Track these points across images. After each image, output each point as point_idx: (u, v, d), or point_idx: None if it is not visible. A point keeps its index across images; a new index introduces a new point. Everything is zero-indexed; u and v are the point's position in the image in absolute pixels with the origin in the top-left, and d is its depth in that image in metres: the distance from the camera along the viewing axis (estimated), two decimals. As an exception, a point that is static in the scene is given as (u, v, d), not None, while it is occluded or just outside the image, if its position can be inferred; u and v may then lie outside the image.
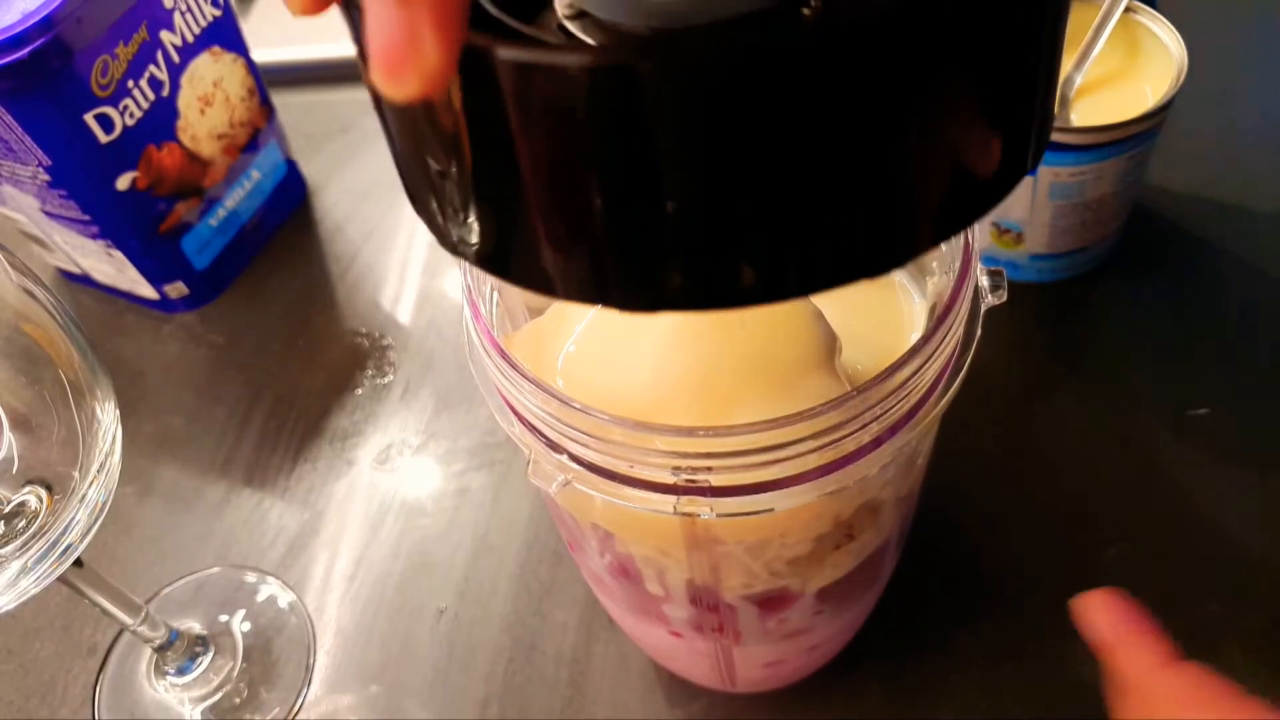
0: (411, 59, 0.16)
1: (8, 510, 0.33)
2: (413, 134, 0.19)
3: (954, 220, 0.19)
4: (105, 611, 0.40)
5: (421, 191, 0.21)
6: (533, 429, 0.29)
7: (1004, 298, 0.28)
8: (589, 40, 0.19)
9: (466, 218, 0.20)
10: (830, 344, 0.29)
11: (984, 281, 0.30)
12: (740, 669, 0.39)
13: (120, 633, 0.46)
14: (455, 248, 0.21)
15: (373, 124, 0.67)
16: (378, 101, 0.20)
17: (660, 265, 0.19)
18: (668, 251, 0.18)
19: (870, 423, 0.27)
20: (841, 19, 0.16)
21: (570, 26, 0.19)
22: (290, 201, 0.62)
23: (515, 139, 0.18)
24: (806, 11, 0.18)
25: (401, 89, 0.16)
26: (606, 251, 0.19)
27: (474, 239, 0.20)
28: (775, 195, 0.17)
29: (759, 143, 0.17)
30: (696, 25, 0.18)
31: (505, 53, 0.16)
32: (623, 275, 0.19)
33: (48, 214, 0.52)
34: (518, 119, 0.17)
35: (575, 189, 0.18)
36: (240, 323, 0.57)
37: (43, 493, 0.34)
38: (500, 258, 0.20)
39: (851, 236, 0.18)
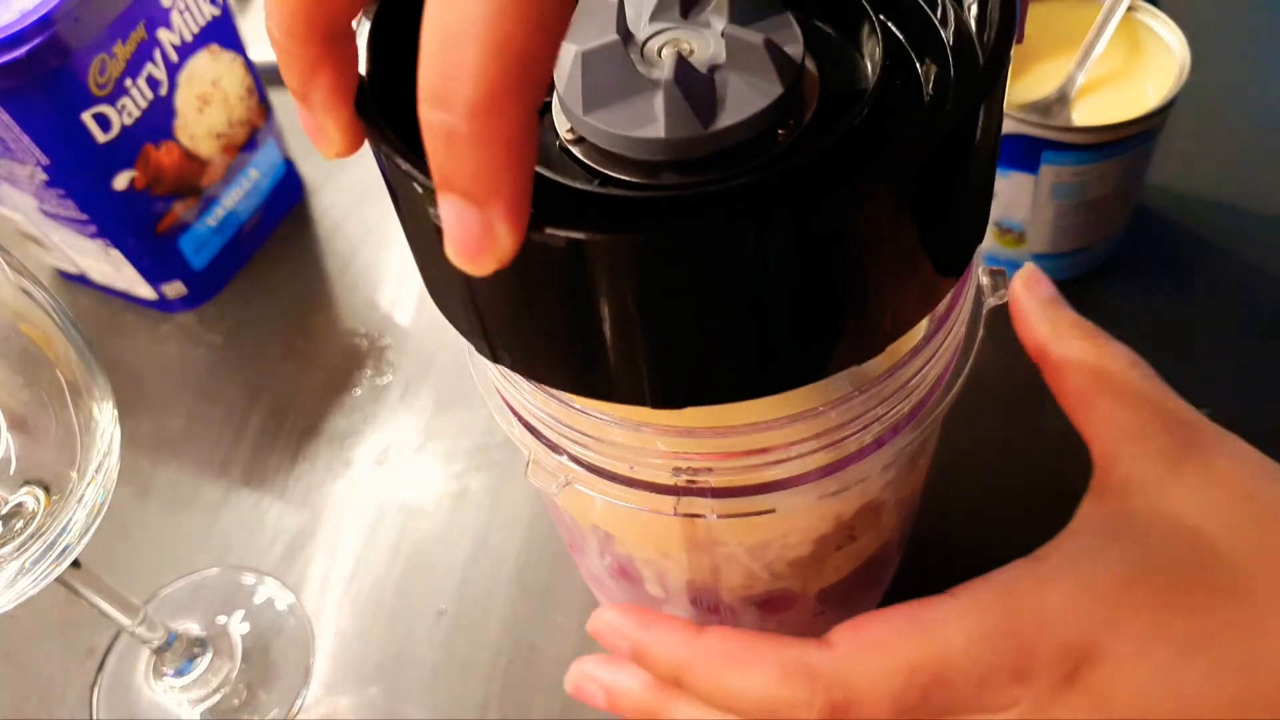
0: (489, 249, 0.18)
1: (5, 511, 0.33)
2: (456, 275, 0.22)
3: (905, 323, 0.23)
4: (103, 613, 0.39)
5: (457, 312, 0.24)
6: (532, 430, 0.28)
7: (1006, 298, 0.28)
8: (590, 163, 0.22)
9: (500, 337, 0.23)
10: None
11: (985, 281, 0.30)
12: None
13: (118, 634, 0.46)
14: (495, 357, 0.24)
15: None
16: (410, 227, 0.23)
17: (671, 377, 0.22)
18: (673, 369, 0.22)
19: (872, 423, 0.27)
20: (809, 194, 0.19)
21: (573, 150, 0.22)
22: (288, 201, 0.62)
23: (538, 288, 0.21)
24: (781, 133, 0.22)
25: (479, 270, 0.19)
26: (612, 367, 0.22)
27: (504, 352, 0.24)
28: (768, 325, 0.21)
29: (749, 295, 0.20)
30: (685, 160, 0.21)
31: (553, 231, 0.19)
32: (650, 386, 0.22)
33: (45, 213, 0.52)
34: (550, 275, 0.20)
35: (610, 326, 0.21)
36: (238, 322, 0.57)
37: (40, 493, 0.34)
38: (525, 366, 0.24)
39: (833, 343, 0.22)
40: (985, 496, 0.45)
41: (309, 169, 0.64)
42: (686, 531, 0.30)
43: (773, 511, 0.27)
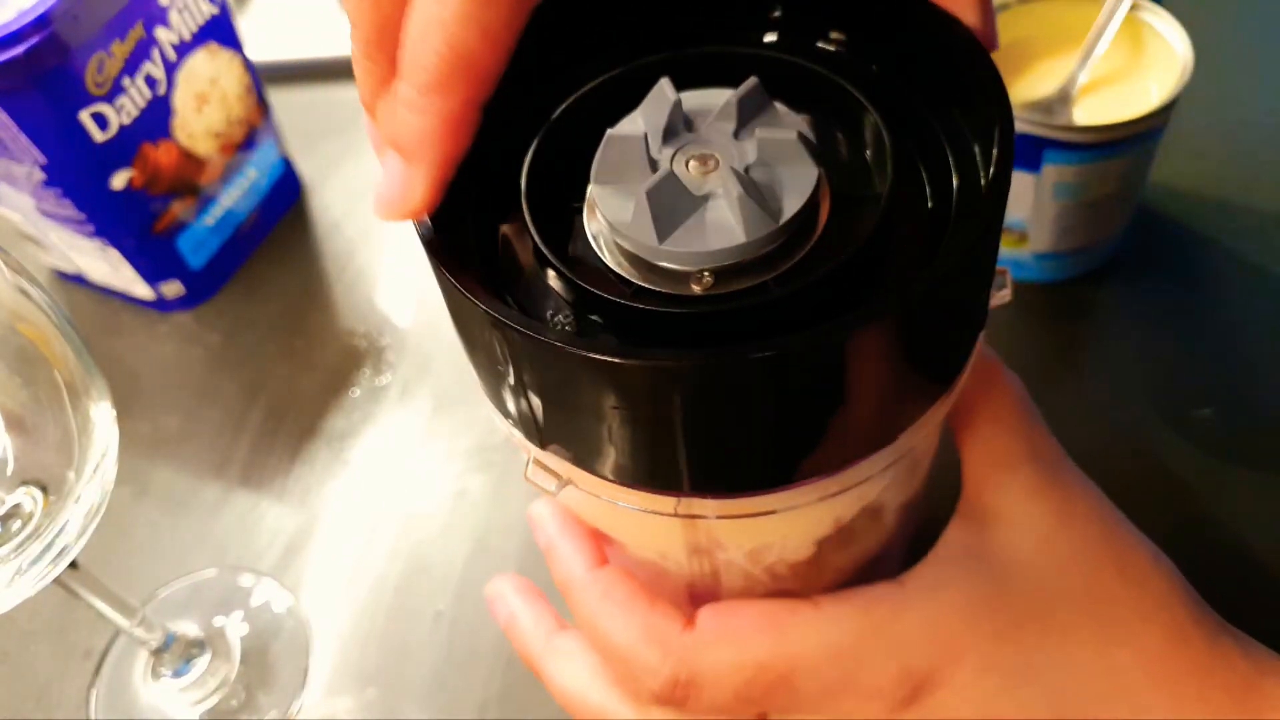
0: (403, 199, 0.25)
1: (3, 512, 0.33)
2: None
3: (911, 415, 0.26)
4: (101, 614, 0.39)
5: (511, 412, 0.26)
6: None
7: (1009, 298, 0.28)
8: (623, 273, 0.25)
9: (548, 430, 0.26)
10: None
11: None
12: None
13: (116, 635, 0.46)
14: (541, 443, 0.26)
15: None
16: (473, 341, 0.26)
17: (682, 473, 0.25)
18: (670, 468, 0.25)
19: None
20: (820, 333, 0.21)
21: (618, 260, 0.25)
22: (286, 200, 0.62)
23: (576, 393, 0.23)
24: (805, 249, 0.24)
25: (386, 215, 0.25)
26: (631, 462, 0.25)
27: (551, 441, 0.26)
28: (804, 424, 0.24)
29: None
30: (713, 269, 0.24)
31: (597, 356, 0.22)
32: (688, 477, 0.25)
33: (43, 213, 0.52)
34: (579, 382, 0.23)
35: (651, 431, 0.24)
36: (236, 322, 0.57)
37: (38, 494, 0.34)
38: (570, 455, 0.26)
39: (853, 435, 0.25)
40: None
41: (307, 168, 0.63)
42: (686, 534, 0.29)
43: (773, 513, 0.27)
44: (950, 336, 0.26)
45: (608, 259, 0.25)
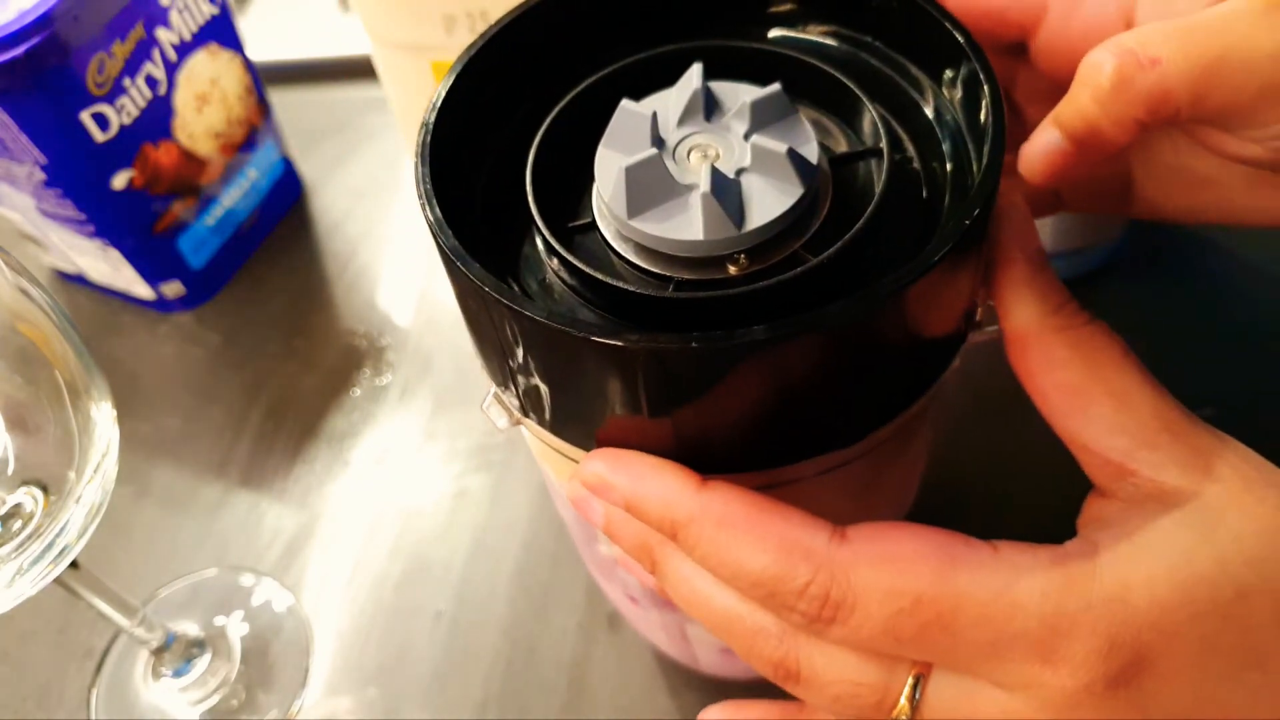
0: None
1: (4, 512, 0.33)
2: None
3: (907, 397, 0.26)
4: (101, 613, 0.39)
5: (499, 377, 0.27)
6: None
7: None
8: (616, 249, 0.25)
9: (541, 408, 0.26)
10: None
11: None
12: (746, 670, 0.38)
13: (117, 635, 0.46)
14: (503, 383, 0.27)
15: (370, 122, 0.67)
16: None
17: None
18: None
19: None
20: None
21: (617, 246, 0.26)
22: (287, 200, 0.62)
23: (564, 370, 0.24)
24: (733, 270, 0.24)
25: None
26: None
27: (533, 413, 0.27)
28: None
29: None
30: (718, 257, 0.24)
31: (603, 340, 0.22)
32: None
33: (44, 213, 0.52)
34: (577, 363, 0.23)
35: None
36: (237, 322, 0.57)
37: (39, 494, 0.34)
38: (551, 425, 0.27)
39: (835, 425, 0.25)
40: (982, 498, 0.45)
41: (308, 168, 0.63)
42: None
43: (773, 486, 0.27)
44: (939, 323, 0.25)
45: (604, 231, 0.26)
